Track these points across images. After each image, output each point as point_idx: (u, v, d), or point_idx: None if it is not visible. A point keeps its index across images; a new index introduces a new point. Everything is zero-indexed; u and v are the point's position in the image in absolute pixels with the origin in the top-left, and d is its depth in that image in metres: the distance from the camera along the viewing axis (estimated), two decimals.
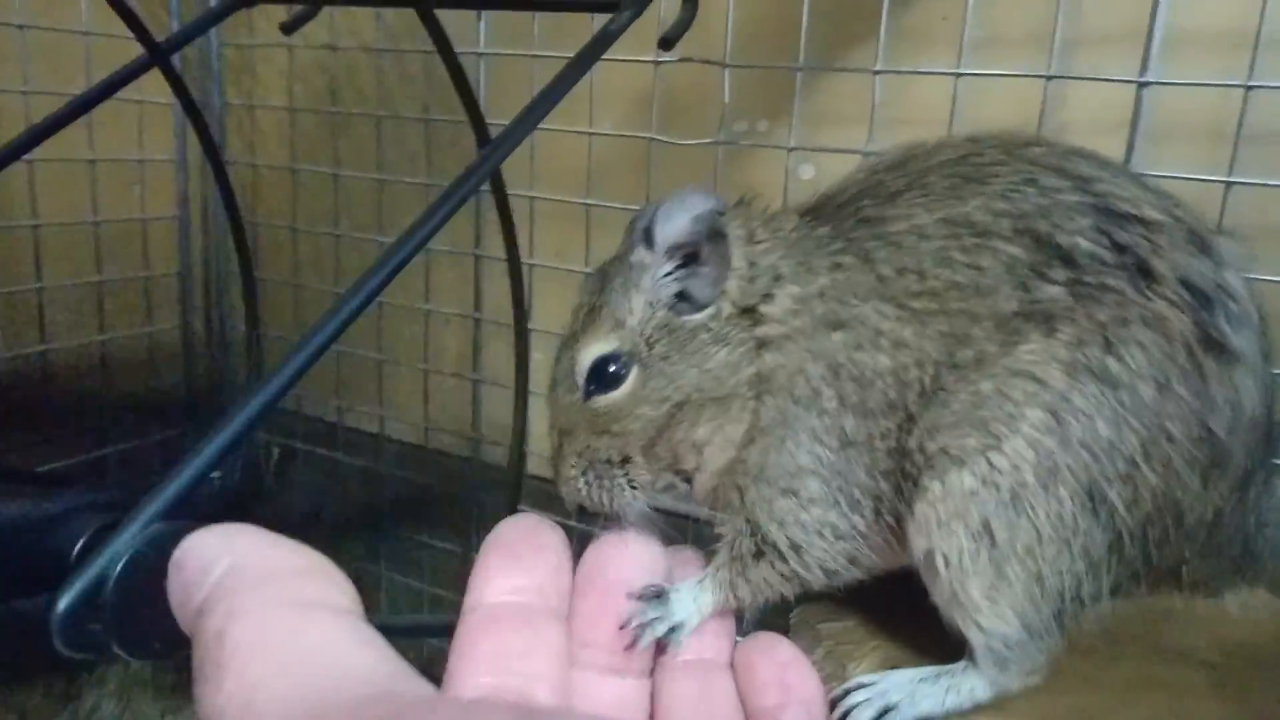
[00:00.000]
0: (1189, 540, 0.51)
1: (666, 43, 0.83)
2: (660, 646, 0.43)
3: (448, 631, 0.31)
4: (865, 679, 0.53)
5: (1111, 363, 0.48)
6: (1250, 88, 0.71)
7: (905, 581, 0.54)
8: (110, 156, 1.23)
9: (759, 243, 0.53)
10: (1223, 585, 0.54)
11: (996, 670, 0.51)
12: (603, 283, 0.53)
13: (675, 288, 0.52)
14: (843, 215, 0.54)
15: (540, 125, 0.67)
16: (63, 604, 0.40)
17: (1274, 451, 0.54)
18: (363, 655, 0.22)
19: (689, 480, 0.53)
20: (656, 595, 0.44)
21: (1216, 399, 0.49)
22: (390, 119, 1.20)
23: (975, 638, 0.51)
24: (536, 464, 1.13)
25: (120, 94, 0.92)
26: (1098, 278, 0.49)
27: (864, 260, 0.52)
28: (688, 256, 0.52)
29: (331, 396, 1.32)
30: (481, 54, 1.08)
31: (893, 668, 0.54)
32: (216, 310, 1.41)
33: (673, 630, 0.44)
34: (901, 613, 0.57)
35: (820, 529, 0.51)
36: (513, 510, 1.03)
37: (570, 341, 0.53)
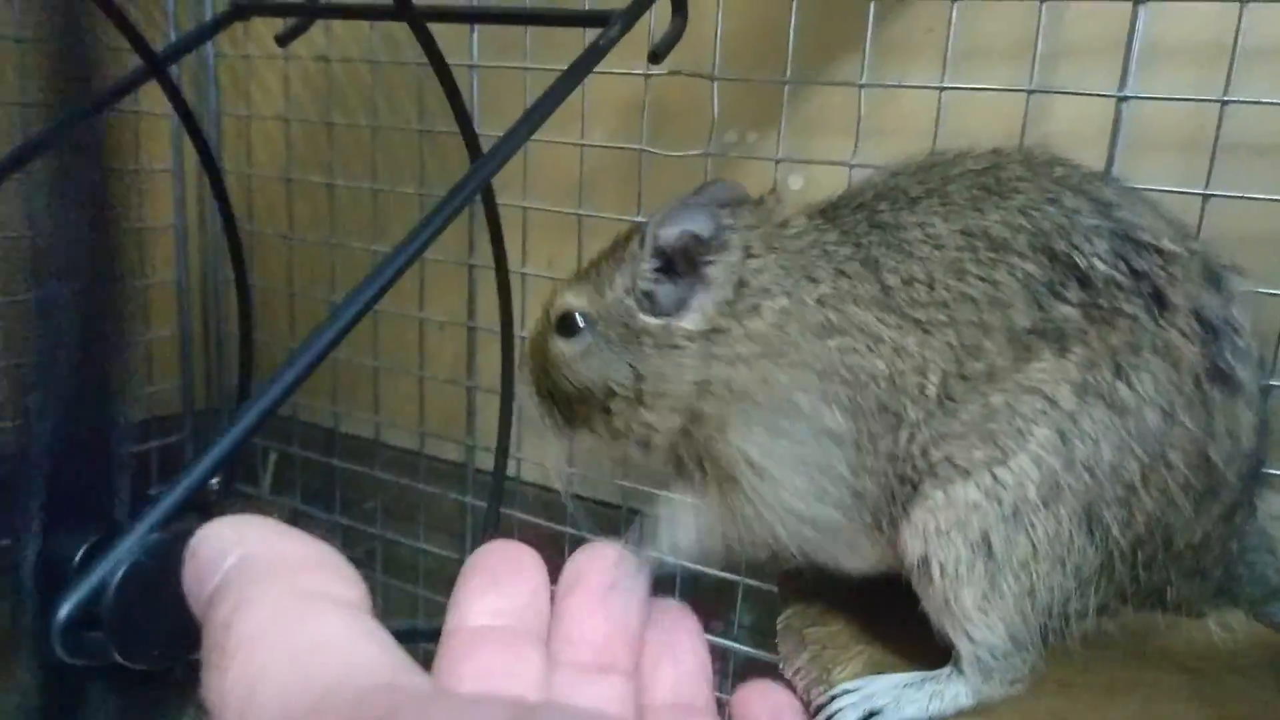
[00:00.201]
0: (1176, 563, 0.52)
1: (656, 56, 0.85)
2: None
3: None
4: (850, 684, 0.54)
5: (1121, 388, 0.49)
6: (1226, 102, 0.72)
7: (891, 587, 0.55)
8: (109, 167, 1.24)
9: (754, 257, 0.54)
10: (1205, 607, 0.55)
11: (981, 679, 0.52)
12: (624, 245, 0.56)
13: (648, 287, 0.54)
14: (856, 219, 0.55)
15: (532, 137, 0.68)
16: (63, 612, 0.41)
17: (1261, 482, 0.55)
18: (367, 648, 0.22)
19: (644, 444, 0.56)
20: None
21: (1218, 430, 0.50)
22: (384, 130, 1.21)
23: (964, 646, 0.52)
24: (526, 470, 1.14)
25: (120, 105, 0.93)
26: (1112, 302, 0.49)
27: (870, 269, 0.52)
28: (667, 264, 0.54)
29: (327, 403, 1.33)
30: (473, 66, 1.09)
31: (877, 673, 0.55)
32: (214, 319, 1.42)
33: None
34: (887, 618, 0.58)
35: (785, 512, 0.53)
36: (495, 516, 1.04)
37: (572, 278, 0.58)
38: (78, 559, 0.44)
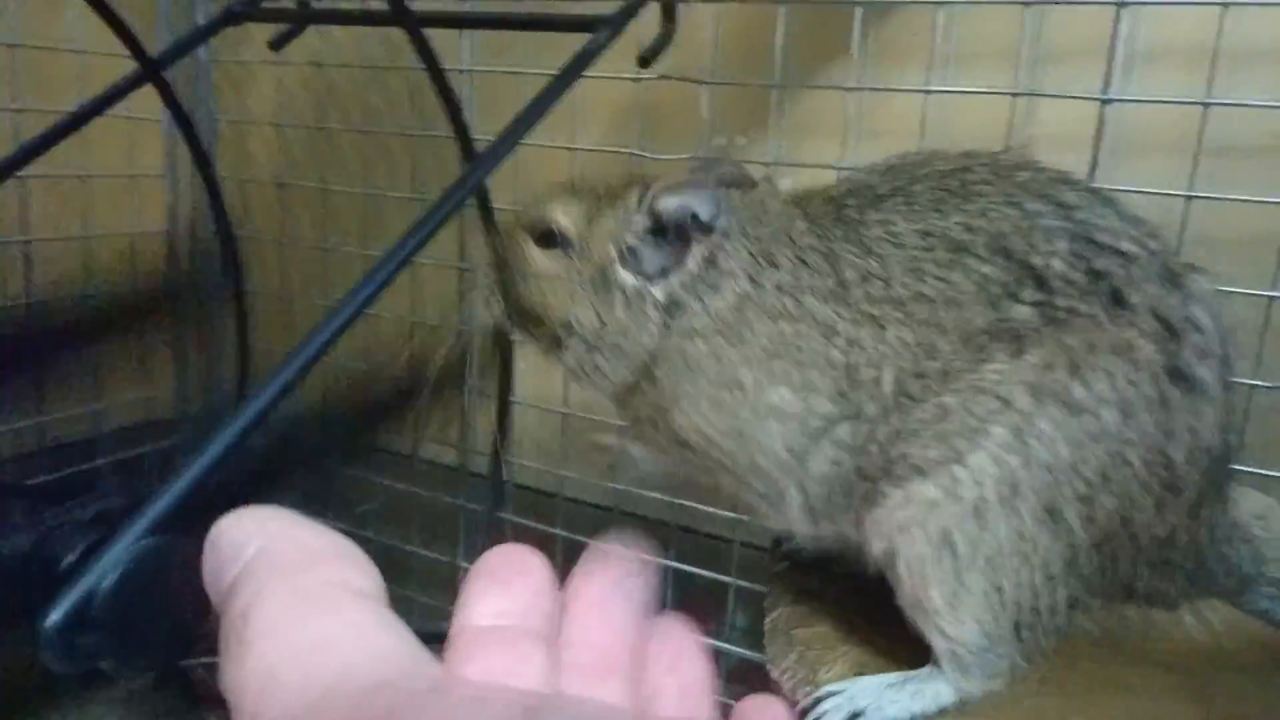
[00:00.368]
0: (1143, 557, 0.52)
1: (646, 61, 0.85)
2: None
3: (438, 640, 0.33)
4: (834, 687, 0.55)
5: (1077, 388, 0.49)
6: (1208, 104, 0.73)
7: (876, 587, 0.56)
8: (101, 173, 1.24)
9: (727, 238, 0.56)
10: (1178, 598, 0.56)
11: (960, 675, 0.53)
12: (622, 193, 0.58)
13: (634, 244, 0.56)
14: (825, 210, 0.56)
15: (525, 140, 0.69)
16: (55, 618, 0.41)
17: (1228, 474, 0.56)
18: (382, 639, 0.23)
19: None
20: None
21: (1178, 427, 0.50)
22: (377, 134, 1.22)
23: (939, 643, 0.52)
24: (519, 473, 1.15)
25: (110, 110, 0.94)
26: (1069, 303, 0.50)
27: (830, 262, 0.54)
28: (659, 228, 0.55)
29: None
30: (466, 70, 1.10)
31: (862, 673, 0.56)
32: (208, 323, 1.42)
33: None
34: (874, 619, 0.59)
35: (727, 475, 0.56)
36: (493, 518, 1.04)
37: (566, 192, 0.60)
38: (69, 564, 0.44)
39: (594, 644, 0.34)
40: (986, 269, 0.51)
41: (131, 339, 1.34)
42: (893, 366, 0.52)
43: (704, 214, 0.55)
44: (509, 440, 1.11)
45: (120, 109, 0.99)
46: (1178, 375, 0.50)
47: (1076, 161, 0.76)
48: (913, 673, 0.54)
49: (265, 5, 1.06)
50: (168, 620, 0.45)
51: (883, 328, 0.52)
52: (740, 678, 1.04)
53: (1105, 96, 0.76)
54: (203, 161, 1.13)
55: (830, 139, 0.88)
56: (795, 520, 0.57)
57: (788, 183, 0.95)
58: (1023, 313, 0.50)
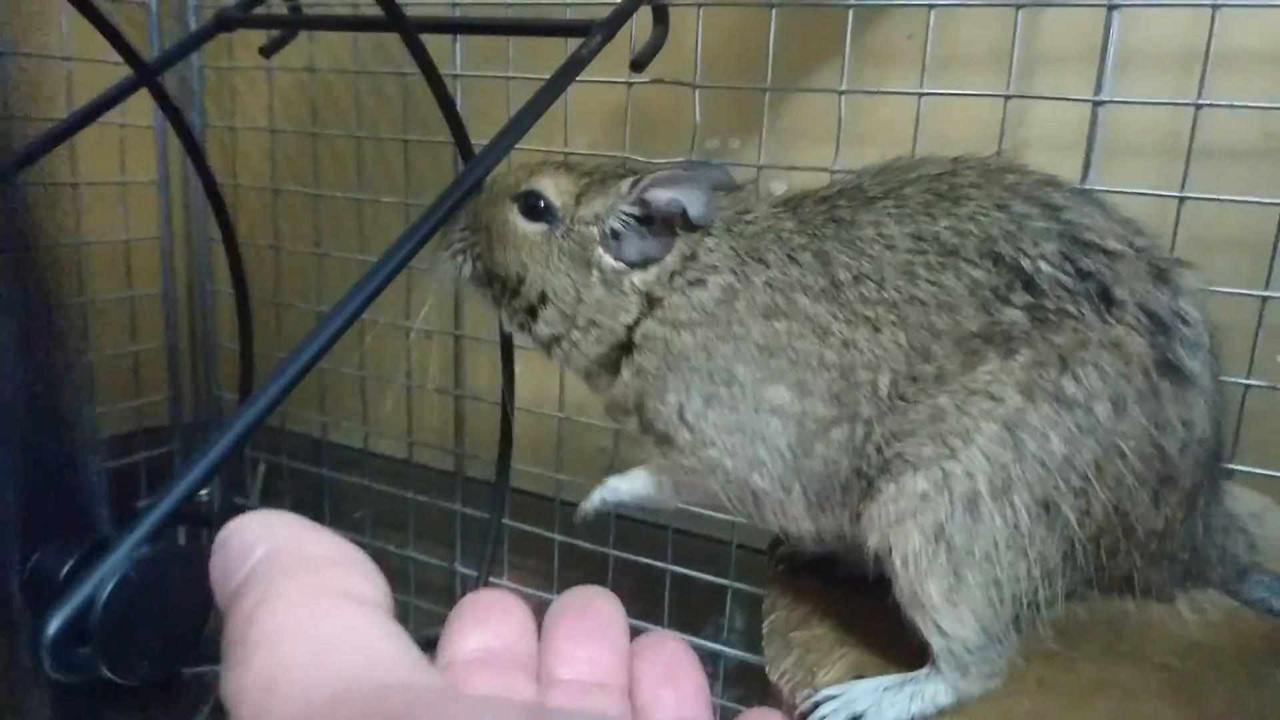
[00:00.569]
0: (1139, 549, 0.53)
1: (637, 65, 0.85)
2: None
3: (433, 646, 0.33)
4: (832, 690, 0.55)
5: (1068, 384, 0.50)
6: (1200, 105, 0.73)
7: (875, 589, 0.56)
8: (93, 180, 1.24)
9: (710, 236, 0.57)
10: (1174, 589, 0.56)
11: (958, 674, 0.53)
12: (614, 178, 0.59)
13: (618, 227, 0.57)
14: (816, 210, 0.57)
15: (516, 145, 0.69)
16: (53, 627, 0.41)
17: (1222, 465, 0.56)
18: (386, 646, 0.23)
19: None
20: None
21: (1170, 420, 0.51)
22: (369, 139, 1.21)
23: (936, 641, 0.52)
24: (516, 478, 1.15)
25: (102, 117, 0.94)
26: (1058, 303, 0.51)
27: (822, 262, 0.54)
28: (643, 220, 0.57)
29: (316, 413, 1.33)
30: (457, 76, 1.10)
31: (860, 674, 0.56)
32: (201, 329, 1.42)
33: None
34: (872, 621, 0.59)
35: (720, 473, 0.56)
36: (498, 525, 1.04)
37: (557, 167, 0.61)
38: (65, 573, 0.44)
39: (582, 659, 0.34)
40: (977, 273, 0.52)
41: (124, 346, 1.34)
42: (888, 370, 0.52)
43: (693, 211, 0.56)
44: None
45: (112, 116, 0.99)
46: (1168, 367, 0.50)
47: (1069, 164, 0.76)
48: (911, 674, 0.54)
49: (257, 11, 1.06)
50: (163, 629, 0.45)
51: (878, 330, 0.52)
52: (738, 680, 1.05)
53: (1097, 98, 0.76)
54: (203, 166, 1.12)
55: (822, 142, 0.88)
56: (796, 519, 0.57)
57: (780, 186, 0.95)
58: (1013, 315, 0.51)
